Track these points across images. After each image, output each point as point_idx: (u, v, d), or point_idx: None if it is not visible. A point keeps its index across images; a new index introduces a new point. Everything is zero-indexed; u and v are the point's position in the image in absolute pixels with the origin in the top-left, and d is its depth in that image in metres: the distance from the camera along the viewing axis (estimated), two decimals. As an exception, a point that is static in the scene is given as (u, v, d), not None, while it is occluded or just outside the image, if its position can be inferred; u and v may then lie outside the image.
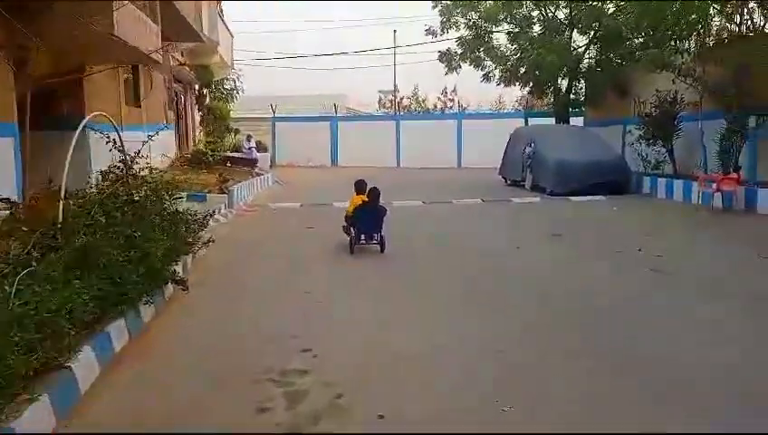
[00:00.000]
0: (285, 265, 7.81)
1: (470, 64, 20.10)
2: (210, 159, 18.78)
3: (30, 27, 8.73)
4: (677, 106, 15.16)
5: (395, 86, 43.34)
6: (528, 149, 17.34)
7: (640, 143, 16.04)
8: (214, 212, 9.05)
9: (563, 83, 20.78)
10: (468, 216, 12.72)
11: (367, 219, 8.30)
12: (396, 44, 40.40)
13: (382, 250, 8.26)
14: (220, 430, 3.40)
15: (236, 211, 12.69)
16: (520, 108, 41.60)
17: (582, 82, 20.80)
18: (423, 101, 44.05)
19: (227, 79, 33.31)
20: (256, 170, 20.70)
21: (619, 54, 18.90)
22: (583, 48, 20.17)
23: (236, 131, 24.71)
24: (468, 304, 5.86)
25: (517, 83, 20.30)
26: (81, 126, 6.63)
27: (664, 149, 15.64)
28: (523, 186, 17.63)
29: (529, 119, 29.26)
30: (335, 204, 12.63)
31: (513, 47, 20.01)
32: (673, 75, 14.62)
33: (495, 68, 20.11)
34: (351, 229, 8.45)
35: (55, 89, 10.84)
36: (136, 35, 9.67)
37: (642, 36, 17.85)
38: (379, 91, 47.48)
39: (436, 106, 43.34)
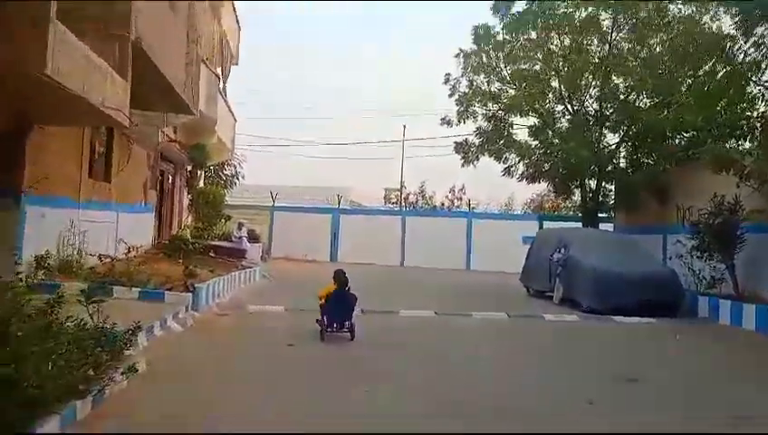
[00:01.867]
0: (243, 421, 5.08)
1: (490, 156, 18.08)
2: (191, 246, 16.35)
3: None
4: (739, 213, 12.85)
5: (401, 181, 41.84)
6: (557, 255, 14.89)
7: (692, 256, 13.60)
8: (137, 328, 6.14)
9: (591, 184, 18.66)
10: (496, 338, 10.01)
11: (335, 307, 8.45)
12: (404, 138, 39.01)
13: (352, 337, 8.40)
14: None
15: (201, 315, 10.01)
16: (529, 210, 39.77)
17: (612, 183, 18.69)
18: (430, 198, 42.32)
19: (228, 164, 31.78)
20: (244, 262, 18.22)
21: (659, 154, 16.91)
22: (614, 146, 18.20)
23: (228, 218, 22.44)
24: None
25: (542, 180, 18.16)
26: None
27: (722, 265, 13.14)
28: (551, 297, 15.02)
29: (544, 222, 27.37)
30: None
31: (536, 142, 18.08)
32: (732, 177, 12.47)
33: (519, 162, 18.04)
34: (324, 318, 8.47)
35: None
36: (86, 84, 7.50)
37: (687, 135, 15.92)
38: (385, 188, 45.77)
39: (443, 204, 41.56)
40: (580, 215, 19.75)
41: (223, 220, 22.16)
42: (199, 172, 22.95)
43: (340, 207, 29.46)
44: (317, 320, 8.50)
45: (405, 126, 41.17)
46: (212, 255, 17.45)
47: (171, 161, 19.79)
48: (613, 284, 12.85)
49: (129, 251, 10.67)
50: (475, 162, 18.45)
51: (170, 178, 20.07)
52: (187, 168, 21.26)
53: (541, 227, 26.61)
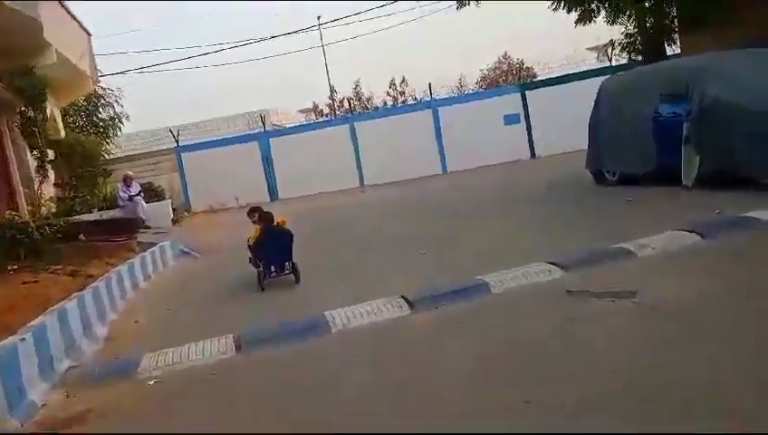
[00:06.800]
0: None
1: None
2: (35, 234, 9.11)
3: None
4: None
5: (330, 85, 34.01)
6: (669, 109, 8.69)
7: None
8: None
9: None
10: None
11: (270, 247, 7.16)
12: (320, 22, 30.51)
13: (297, 280, 7.09)
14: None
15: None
16: (481, 89, 33.21)
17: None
18: (368, 99, 34.95)
19: (102, 105, 23.22)
20: (142, 236, 11.14)
21: None
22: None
23: (107, 175, 14.82)
24: None
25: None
26: None
27: None
28: (659, 179, 8.97)
29: (526, 91, 21.73)
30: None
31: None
32: None
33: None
34: (259, 263, 7.18)
35: None
36: None
37: None
38: (299, 111, 36.92)
39: (385, 103, 34.41)
40: (623, 58, 13.34)
41: (100, 179, 14.57)
42: (49, 115, 14.90)
43: (266, 129, 22.08)
44: (249, 259, 7.40)
45: (319, 16, 33.34)
46: (82, 238, 10.27)
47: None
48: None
49: None
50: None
51: (-12, 129, 12.24)
52: (18, 109, 13.32)
53: (524, 98, 21.08)
